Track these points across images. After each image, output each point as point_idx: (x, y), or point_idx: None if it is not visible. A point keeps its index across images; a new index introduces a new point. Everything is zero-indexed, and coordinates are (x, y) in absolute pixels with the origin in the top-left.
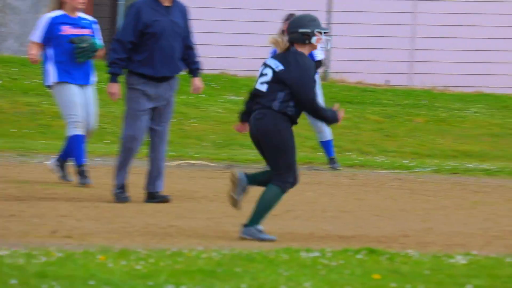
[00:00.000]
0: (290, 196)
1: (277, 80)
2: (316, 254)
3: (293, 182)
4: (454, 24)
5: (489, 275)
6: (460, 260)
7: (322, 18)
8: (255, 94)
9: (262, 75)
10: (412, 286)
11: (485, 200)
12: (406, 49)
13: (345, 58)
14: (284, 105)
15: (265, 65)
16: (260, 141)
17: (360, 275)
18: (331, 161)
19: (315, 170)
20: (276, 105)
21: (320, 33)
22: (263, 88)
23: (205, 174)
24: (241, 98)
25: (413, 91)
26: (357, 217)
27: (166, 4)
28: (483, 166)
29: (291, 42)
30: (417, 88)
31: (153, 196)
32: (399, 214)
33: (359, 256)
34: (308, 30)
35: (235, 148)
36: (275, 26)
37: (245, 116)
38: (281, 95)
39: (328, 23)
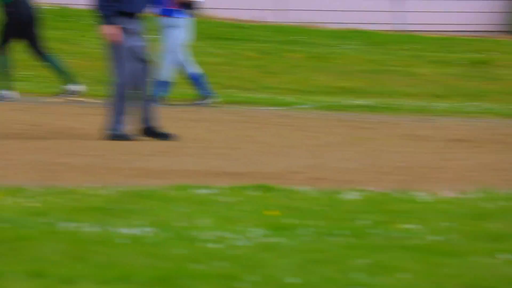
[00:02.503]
0: (177, 133)
1: None
2: (213, 191)
3: None
4: None
5: (381, 210)
6: (353, 196)
7: None
8: None
9: None
10: (311, 222)
11: (371, 136)
12: None
13: None
14: None
15: None
16: None
17: (255, 211)
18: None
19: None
20: None
21: None
22: None
23: (90, 111)
24: None
25: (288, 28)
26: (247, 153)
27: None
28: (362, 102)
29: None
30: (292, 25)
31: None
32: (287, 151)
33: (255, 193)
34: None
35: None
36: None
37: None
38: None
39: None
